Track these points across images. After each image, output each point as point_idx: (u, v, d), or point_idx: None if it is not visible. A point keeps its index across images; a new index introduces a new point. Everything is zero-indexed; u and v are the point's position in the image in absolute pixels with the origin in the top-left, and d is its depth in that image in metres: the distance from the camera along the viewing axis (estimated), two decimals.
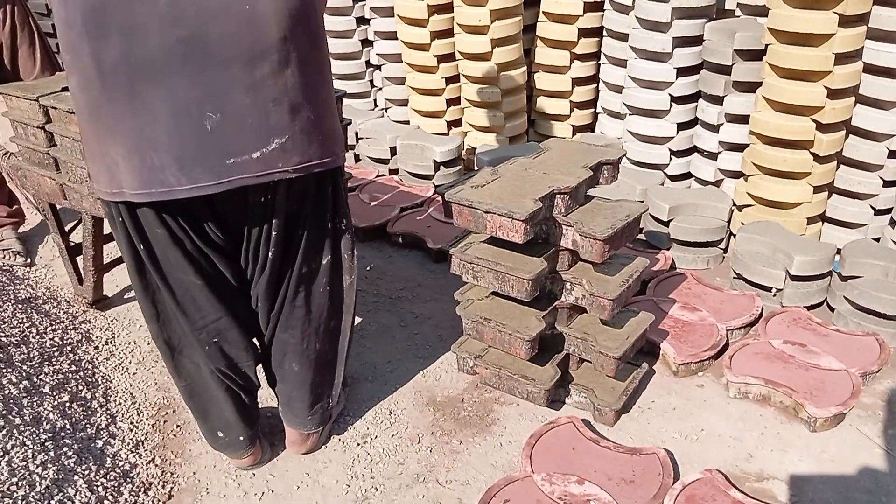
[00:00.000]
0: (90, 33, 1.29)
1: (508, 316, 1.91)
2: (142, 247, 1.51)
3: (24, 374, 2.01)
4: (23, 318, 2.30)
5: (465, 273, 1.93)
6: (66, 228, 2.47)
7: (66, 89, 2.10)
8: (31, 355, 2.12)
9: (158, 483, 1.81)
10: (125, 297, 2.58)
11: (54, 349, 2.21)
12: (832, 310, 2.38)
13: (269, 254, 1.58)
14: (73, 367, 2.15)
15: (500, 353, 2.01)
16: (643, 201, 2.80)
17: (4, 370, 1.99)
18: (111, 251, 2.60)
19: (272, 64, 1.35)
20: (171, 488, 1.80)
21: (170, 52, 1.29)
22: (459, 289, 2.10)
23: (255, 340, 1.77)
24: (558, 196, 1.82)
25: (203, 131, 1.34)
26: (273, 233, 1.56)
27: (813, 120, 2.41)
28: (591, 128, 3.38)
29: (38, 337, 2.24)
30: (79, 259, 2.46)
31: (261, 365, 1.82)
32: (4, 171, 2.43)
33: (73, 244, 2.48)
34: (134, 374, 2.21)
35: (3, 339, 2.15)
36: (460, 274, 1.95)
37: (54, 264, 2.80)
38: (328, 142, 1.49)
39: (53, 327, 2.33)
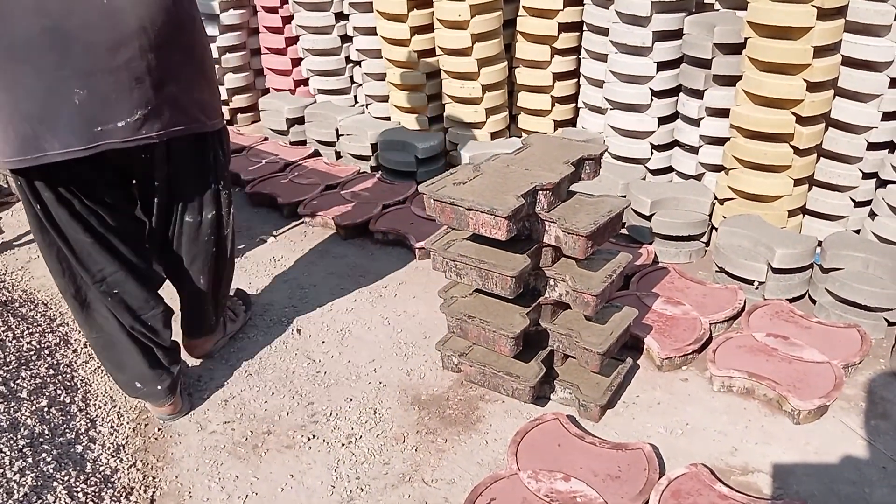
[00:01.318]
0: None
1: (492, 313, 1.90)
2: (38, 207, 1.69)
3: (0, 379, 1.97)
4: None
5: (448, 271, 1.91)
6: None
7: None
8: (8, 360, 2.09)
9: (140, 488, 1.78)
10: None
11: (31, 353, 2.17)
12: (814, 302, 2.40)
13: (156, 201, 1.83)
14: (52, 371, 2.11)
15: (484, 350, 2.00)
16: (625, 196, 2.80)
17: None
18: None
19: (133, 49, 1.56)
20: (154, 493, 1.78)
21: (36, 38, 1.49)
22: (443, 286, 2.09)
23: (159, 294, 1.94)
24: (541, 192, 1.82)
25: (72, 105, 1.55)
26: (156, 183, 1.80)
27: (793, 113, 2.42)
28: (572, 122, 3.38)
29: (14, 341, 2.20)
30: None
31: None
32: None
33: None
34: None
35: None
36: (443, 272, 1.93)
37: (30, 266, 2.75)
38: (193, 111, 1.73)
39: (30, 331, 2.29)
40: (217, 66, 3.82)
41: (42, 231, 1.73)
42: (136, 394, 1.96)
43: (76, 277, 1.80)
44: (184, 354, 2.18)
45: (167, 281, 2.03)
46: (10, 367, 2.06)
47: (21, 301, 2.49)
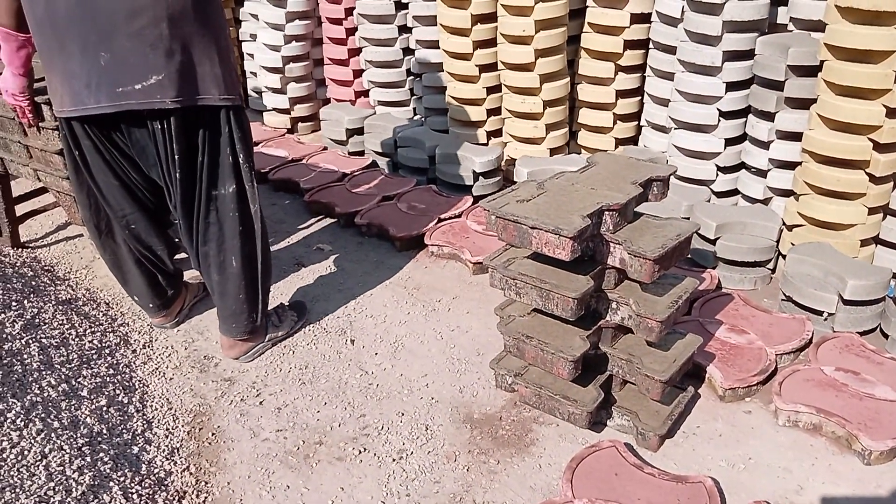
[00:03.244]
0: None
1: (551, 334, 1.86)
2: (77, 153, 2.01)
3: (63, 376, 2.02)
4: (63, 320, 2.32)
5: (507, 289, 1.88)
6: None
7: None
8: (71, 358, 2.13)
9: (193, 492, 1.79)
10: None
11: (93, 352, 2.21)
12: (886, 336, 2.29)
13: (177, 174, 1.96)
14: (111, 371, 2.15)
15: (540, 371, 1.96)
16: (689, 217, 2.73)
17: (44, 372, 1.99)
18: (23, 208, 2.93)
19: (148, 17, 1.75)
20: (206, 498, 1.79)
21: (74, 9, 1.75)
22: (499, 304, 2.06)
23: (168, 233, 2.27)
24: (607, 213, 1.77)
25: (100, 66, 1.79)
26: (176, 156, 1.93)
27: (870, 139, 2.33)
28: (634, 141, 3.32)
29: (77, 339, 2.25)
30: None
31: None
32: None
33: None
34: (171, 379, 2.20)
35: (44, 340, 2.16)
36: (502, 289, 1.90)
37: (94, 265, 2.81)
38: (206, 84, 1.88)
39: (93, 330, 2.34)
40: (280, 76, 3.88)
41: (77, 172, 2.05)
42: (135, 303, 2.40)
43: (100, 211, 2.14)
44: (222, 354, 2.32)
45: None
46: (73, 364, 2.10)
47: (84, 300, 2.55)
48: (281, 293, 2.63)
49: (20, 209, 2.91)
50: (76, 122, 1.93)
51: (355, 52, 3.78)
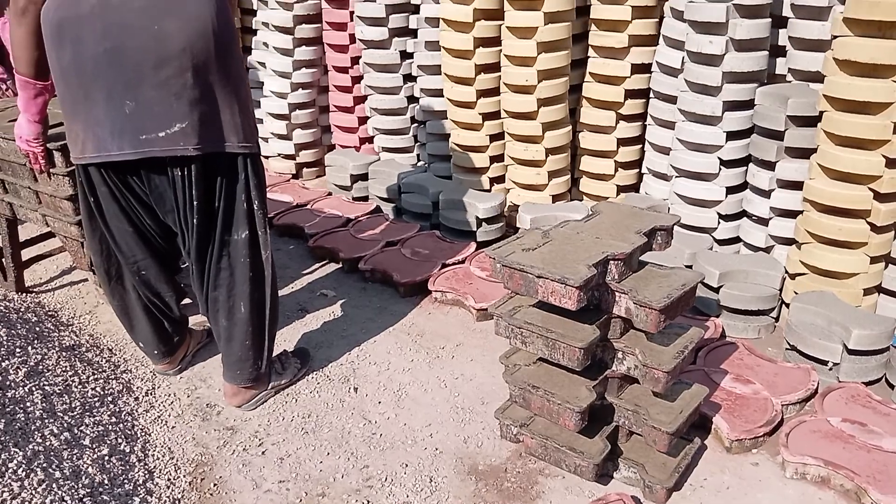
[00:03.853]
0: (53, 44, 1.84)
1: (557, 384, 1.86)
2: (91, 199, 2.04)
3: (65, 424, 2.00)
4: (66, 367, 2.31)
5: (512, 337, 1.89)
6: None
7: None
8: (73, 405, 2.12)
9: None
10: None
11: (96, 399, 2.20)
12: (892, 387, 2.28)
13: (194, 220, 2.00)
14: (114, 419, 2.13)
15: (546, 422, 1.95)
16: (692, 265, 2.74)
17: (47, 420, 1.98)
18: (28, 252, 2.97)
19: (174, 68, 1.80)
20: None
21: (101, 57, 1.79)
22: (504, 352, 2.06)
23: (176, 280, 2.30)
24: (612, 262, 1.79)
25: (124, 114, 1.83)
26: (195, 203, 1.97)
27: (870, 189, 2.35)
28: (635, 188, 3.35)
29: (80, 386, 2.24)
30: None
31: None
32: None
33: None
34: (172, 427, 2.19)
35: (47, 387, 2.15)
36: (507, 338, 1.91)
37: (98, 311, 2.82)
38: (227, 132, 1.93)
39: (95, 377, 2.33)
40: (286, 122, 3.94)
41: (91, 219, 2.09)
42: (140, 349, 2.40)
43: (111, 257, 2.17)
44: (224, 402, 2.30)
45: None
46: (76, 412, 2.08)
47: (88, 346, 2.54)
48: (284, 339, 2.62)
49: (26, 254, 2.92)
50: (94, 168, 1.97)
51: (360, 99, 3.84)
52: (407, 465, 2.03)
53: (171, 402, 2.31)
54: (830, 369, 2.33)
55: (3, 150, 2.42)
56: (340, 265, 3.18)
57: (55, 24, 1.81)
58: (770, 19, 2.67)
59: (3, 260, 2.88)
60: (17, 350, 2.29)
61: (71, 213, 2.38)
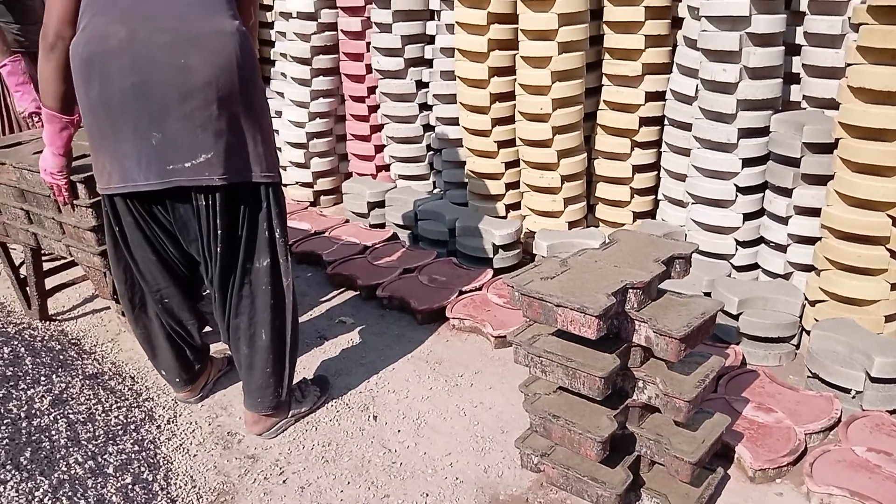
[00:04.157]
0: (82, 78, 1.88)
1: (578, 413, 1.86)
2: (117, 229, 2.08)
3: (89, 453, 2.02)
4: (90, 395, 2.33)
5: (532, 366, 1.89)
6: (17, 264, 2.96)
7: (2, 147, 2.67)
8: (97, 433, 2.14)
9: None
10: None
11: (119, 428, 2.22)
12: None
13: (218, 249, 2.03)
14: (136, 448, 2.15)
15: (567, 451, 1.94)
16: (710, 293, 2.74)
17: (71, 449, 2.00)
18: (52, 281, 3.04)
19: (199, 100, 1.85)
20: None
21: (128, 91, 1.84)
22: (523, 380, 2.06)
23: (198, 307, 2.33)
24: (631, 291, 1.79)
25: (151, 146, 1.88)
26: (219, 231, 2.00)
27: (889, 215, 2.35)
28: (651, 214, 3.36)
29: (103, 414, 2.26)
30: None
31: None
32: None
33: (21, 277, 2.94)
34: (194, 456, 2.20)
35: (71, 416, 2.17)
36: (526, 366, 1.91)
37: (120, 338, 2.85)
38: (250, 162, 1.97)
39: (118, 405, 2.35)
40: (304, 151, 3.99)
41: (116, 248, 2.13)
42: (161, 377, 2.43)
43: (135, 286, 2.20)
44: (245, 430, 2.32)
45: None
46: (99, 441, 2.10)
47: (110, 374, 2.57)
48: (304, 367, 2.64)
49: (49, 283, 2.96)
50: (120, 199, 2.01)
51: (377, 128, 3.89)
52: (427, 495, 2.03)
53: (193, 430, 2.32)
54: (853, 397, 2.31)
55: (28, 181, 2.47)
56: (358, 292, 3.20)
57: (84, 59, 1.86)
58: (783, 47, 2.69)
59: (27, 289, 2.92)
60: (42, 378, 2.32)
61: (94, 243, 2.42)
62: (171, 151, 1.89)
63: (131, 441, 2.17)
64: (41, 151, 2.28)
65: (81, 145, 2.38)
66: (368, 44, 3.68)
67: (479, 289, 3.12)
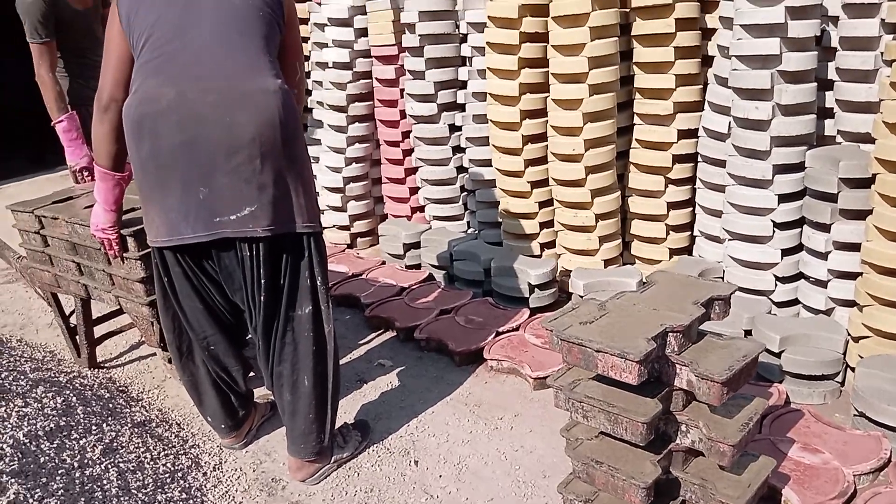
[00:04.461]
0: (133, 137, 1.97)
1: (621, 459, 1.85)
2: (165, 279, 2.16)
3: (139, 502, 2.07)
4: (138, 443, 2.39)
5: (573, 411, 1.89)
6: (67, 313, 3.07)
7: (56, 202, 2.79)
8: (146, 482, 2.19)
9: None
10: None
11: (167, 475, 2.26)
12: None
13: (262, 298, 2.10)
14: (184, 495, 2.19)
15: (611, 497, 1.93)
16: (751, 330, 2.71)
17: (122, 498, 2.05)
18: (100, 329, 3.12)
19: (244, 156, 1.93)
20: None
21: (177, 149, 1.92)
22: (564, 424, 2.06)
23: (243, 353, 2.37)
24: (671, 334, 1.79)
25: (198, 200, 1.96)
26: (262, 281, 2.07)
27: None
28: (688, 250, 3.35)
29: (152, 462, 2.31)
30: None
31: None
32: (18, 270, 3.07)
33: (72, 325, 3.04)
34: (240, 503, 2.23)
35: (122, 465, 2.22)
36: (567, 411, 1.91)
37: (166, 385, 2.92)
38: (293, 213, 2.04)
39: (166, 452, 2.40)
40: (341, 195, 4.08)
41: (165, 298, 2.21)
42: (207, 423, 2.48)
43: (183, 334, 2.27)
44: (289, 476, 2.36)
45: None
46: (149, 489, 2.15)
47: (157, 421, 2.63)
48: (344, 411, 2.67)
49: (98, 331, 3.06)
50: (168, 251, 2.09)
51: (411, 171, 3.97)
52: None
53: (238, 477, 2.36)
54: None
55: (80, 235, 2.57)
56: (396, 334, 3.24)
57: (136, 119, 1.95)
58: (815, 84, 2.70)
59: (77, 337, 3.01)
60: (94, 428, 2.39)
61: (143, 294, 2.50)
62: (218, 204, 1.96)
63: (179, 489, 2.22)
64: (92, 206, 2.38)
65: (131, 199, 2.48)
66: (402, 90, 3.78)
67: (517, 329, 3.13)
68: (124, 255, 2.44)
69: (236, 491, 2.29)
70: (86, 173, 3.12)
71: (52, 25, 3.15)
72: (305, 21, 4.06)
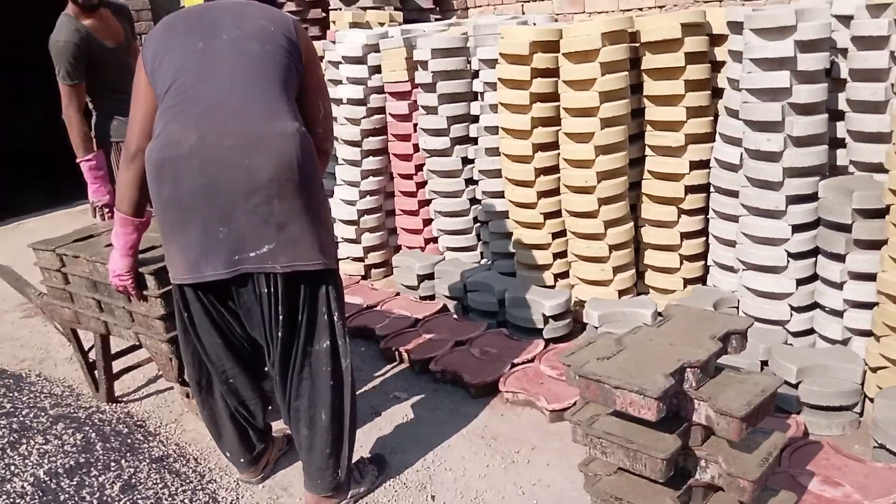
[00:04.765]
0: (154, 180, 2.02)
1: (640, 495, 1.85)
2: (186, 315, 2.20)
3: None
4: (157, 479, 2.40)
5: (591, 447, 1.89)
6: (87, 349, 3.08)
7: (77, 240, 2.84)
8: None
9: None
10: None
11: None
12: None
13: (280, 333, 2.13)
14: None
15: None
16: (767, 361, 2.70)
17: None
18: (118, 364, 3.13)
19: (262, 196, 1.97)
20: None
21: (198, 191, 1.97)
22: (582, 459, 2.06)
23: (262, 386, 2.40)
24: (689, 370, 1.80)
25: (218, 239, 2.00)
26: (280, 317, 2.10)
27: None
28: (702, 280, 3.35)
29: (170, 499, 2.32)
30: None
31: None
32: (39, 307, 3.09)
33: (91, 360, 3.06)
34: None
35: (140, 501, 2.23)
36: (585, 446, 1.91)
37: (183, 419, 2.93)
38: (311, 250, 2.06)
39: (183, 488, 2.41)
40: (356, 227, 4.12)
41: (185, 333, 2.24)
42: (226, 458, 2.50)
43: (202, 369, 2.30)
44: None
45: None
46: None
47: (175, 456, 2.64)
48: (360, 444, 2.66)
49: (116, 366, 3.08)
50: (189, 288, 2.13)
51: (424, 202, 4.00)
52: None
53: None
54: None
55: (101, 273, 2.61)
56: (411, 366, 3.24)
57: (157, 163, 2.00)
58: (826, 115, 2.72)
59: (96, 372, 3.04)
60: (112, 464, 2.40)
61: (163, 331, 2.52)
62: (237, 243, 2.01)
63: None
64: (111, 244, 2.41)
65: (151, 237, 2.52)
66: (415, 125, 3.83)
67: (532, 360, 3.13)
68: (144, 293, 2.47)
69: None
70: (107, 210, 3.18)
71: (83, 67, 3.22)
72: (321, 58, 4.14)
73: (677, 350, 1.86)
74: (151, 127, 2.06)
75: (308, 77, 2.18)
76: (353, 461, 2.42)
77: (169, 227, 2.06)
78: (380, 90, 3.95)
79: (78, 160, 3.22)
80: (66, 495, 2.14)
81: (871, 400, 2.50)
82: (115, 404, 3.05)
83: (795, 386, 2.57)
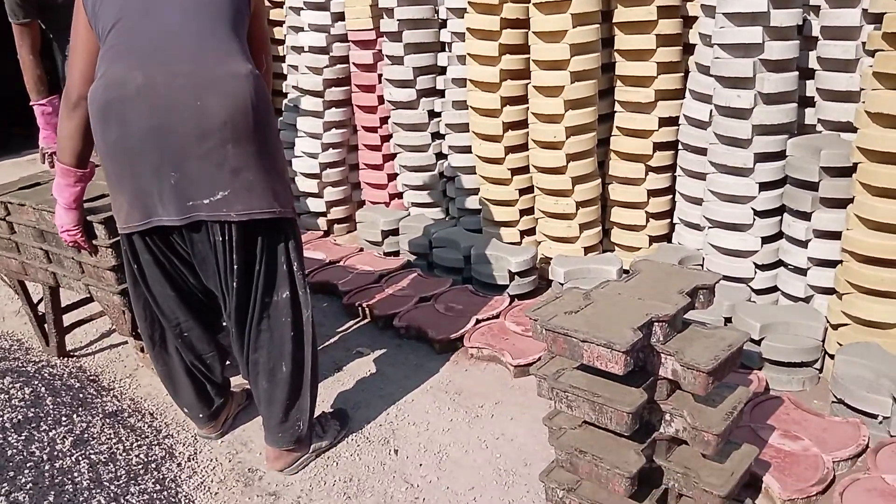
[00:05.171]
0: (99, 124, 1.91)
1: (605, 448, 1.83)
2: (135, 266, 2.10)
3: (112, 494, 2.01)
4: (110, 434, 2.33)
5: (556, 401, 1.87)
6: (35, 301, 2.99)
7: (23, 188, 2.71)
8: (119, 474, 2.13)
9: None
10: None
11: (140, 467, 2.21)
12: None
13: (234, 284, 2.05)
14: (158, 487, 2.14)
15: (594, 486, 1.92)
16: (731, 317, 2.72)
17: (94, 491, 1.99)
18: (69, 318, 3.05)
19: (215, 140, 1.87)
20: None
21: (146, 135, 1.87)
22: (546, 414, 2.04)
23: (218, 339, 2.32)
24: (656, 324, 1.78)
25: (170, 184, 1.91)
26: (235, 266, 2.03)
27: None
28: (667, 238, 3.35)
29: (124, 454, 2.25)
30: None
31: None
32: None
33: (40, 314, 2.95)
34: (216, 493, 2.19)
35: (93, 456, 2.16)
36: (550, 400, 1.89)
37: (138, 374, 2.85)
38: (266, 198, 1.98)
39: (139, 443, 2.34)
40: (318, 181, 4.01)
41: (136, 285, 2.15)
42: (184, 414, 2.43)
43: (155, 323, 2.21)
44: (266, 466, 2.31)
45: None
46: (121, 481, 2.09)
47: (129, 411, 2.57)
48: (322, 399, 2.62)
49: (67, 319, 2.97)
50: (138, 237, 2.03)
51: (389, 157, 3.91)
52: None
53: (214, 468, 2.31)
54: (880, 423, 2.28)
55: (48, 222, 2.49)
56: (374, 322, 3.20)
57: (102, 105, 1.89)
58: (797, 72, 2.70)
59: (46, 326, 2.93)
60: (63, 419, 2.32)
61: (114, 282, 2.42)
62: (190, 189, 1.92)
63: (153, 480, 2.16)
64: None
65: (99, 185, 2.40)
66: (380, 75, 3.71)
67: (497, 316, 3.11)
68: (94, 242, 2.37)
69: (212, 482, 2.24)
70: (51, 158, 3.03)
71: (32, 5, 3.03)
72: (280, 4, 3.97)
73: (645, 304, 1.83)
74: (94, 72, 1.93)
75: (254, 28, 2.08)
76: (315, 415, 2.38)
77: (116, 174, 1.96)
78: (343, 38, 3.81)
79: (31, 103, 3.05)
80: (14, 450, 2.06)
81: (832, 356, 2.53)
82: (66, 359, 2.95)
83: (758, 342, 2.59)
